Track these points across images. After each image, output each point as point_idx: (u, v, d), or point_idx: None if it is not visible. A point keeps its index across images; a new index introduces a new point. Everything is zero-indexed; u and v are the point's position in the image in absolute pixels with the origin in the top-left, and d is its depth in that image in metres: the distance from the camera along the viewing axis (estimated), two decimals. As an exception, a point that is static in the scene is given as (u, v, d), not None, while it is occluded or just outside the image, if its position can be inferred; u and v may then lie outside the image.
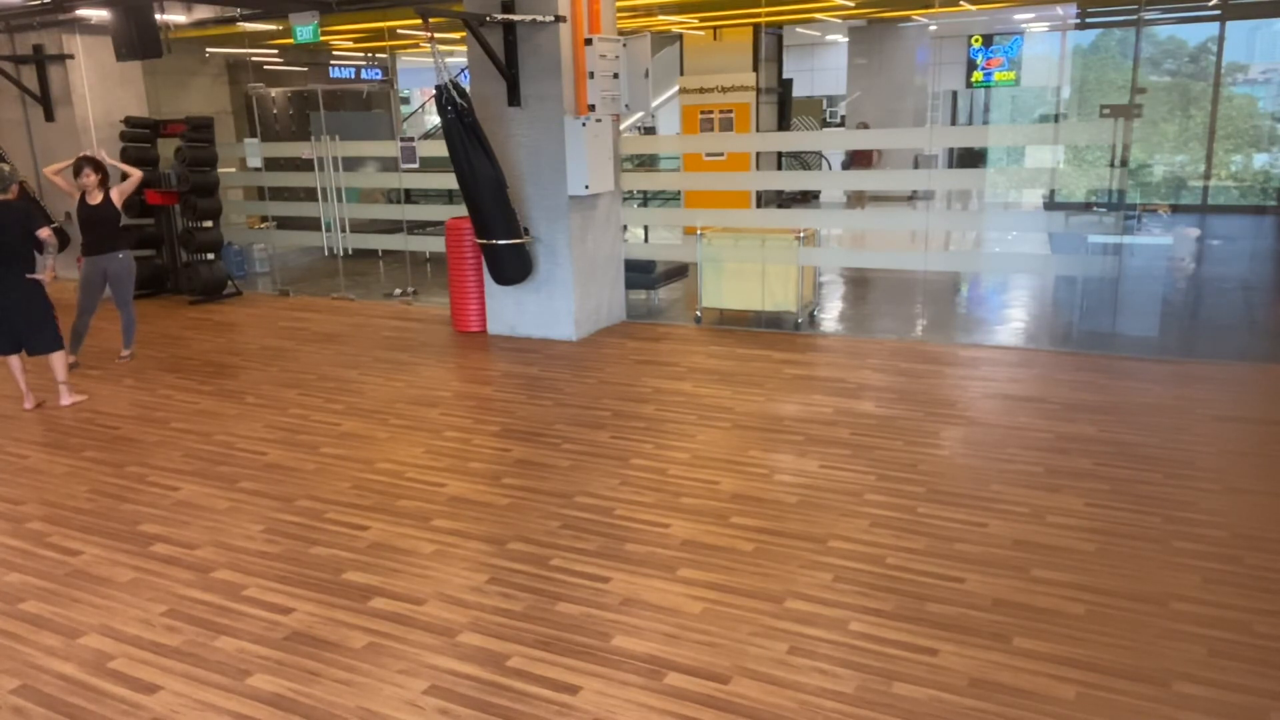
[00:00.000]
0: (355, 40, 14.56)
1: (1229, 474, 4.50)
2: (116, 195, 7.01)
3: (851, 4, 12.74)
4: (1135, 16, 11.06)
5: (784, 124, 14.38)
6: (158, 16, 8.27)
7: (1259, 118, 13.21)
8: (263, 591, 3.65)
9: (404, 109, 19.28)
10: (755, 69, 12.05)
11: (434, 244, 9.99)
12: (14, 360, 6.07)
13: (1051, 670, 2.98)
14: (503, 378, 6.63)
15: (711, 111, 11.74)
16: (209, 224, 9.79)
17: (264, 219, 11.68)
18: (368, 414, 5.82)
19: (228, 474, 4.91)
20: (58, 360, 6.14)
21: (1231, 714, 2.76)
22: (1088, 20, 14.06)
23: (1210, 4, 11.93)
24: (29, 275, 5.85)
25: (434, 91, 6.79)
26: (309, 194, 10.05)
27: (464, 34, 7.16)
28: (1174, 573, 3.57)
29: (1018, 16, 16.50)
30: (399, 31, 13.16)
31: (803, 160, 16.19)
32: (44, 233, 5.80)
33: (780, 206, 13.03)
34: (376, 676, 3.06)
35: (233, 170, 10.90)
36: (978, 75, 19.39)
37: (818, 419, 5.46)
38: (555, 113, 7.16)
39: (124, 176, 7.29)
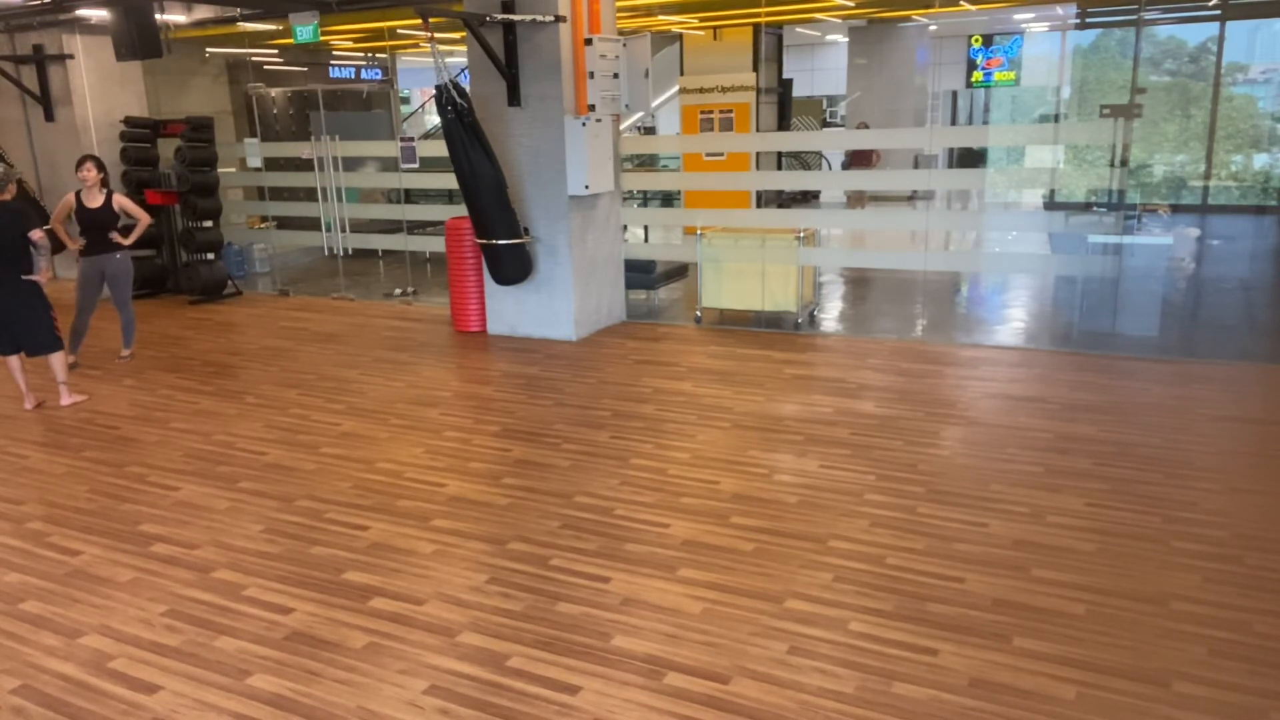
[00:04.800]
0: (355, 40, 14.56)
1: (1229, 474, 4.50)
2: (116, 203, 6.98)
3: (851, 4, 12.74)
4: (1135, 16, 11.06)
5: (784, 124, 14.38)
6: (158, 16, 8.27)
7: (1259, 118, 13.21)
8: (263, 591, 3.65)
9: (404, 109, 19.27)
10: (755, 69, 12.06)
11: (434, 244, 9.99)
12: (13, 361, 6.07)
13: (1051, 670, 2.98)
14: (503, 378, 6.63)
15: (711, 111, 11.74)
16: (209, 224, 9.79)
17: (264, 219, 11.68)
18: (368, 414, 5.82)
19: (228, 474, 4.91)
20: (57, 360, 6.14)
21: (1231, 714, 2.76)
22: (1088, 20, 14.06)
23: (1210, 4, 11.93)
24: (25, 276, 5.85)
25: (434, 91, 6.79)
26: (309, 194, 10.05)
27: (464, 34, 7.16)
28: (1174, 573, 3.57)
29: (1018, 16, 16.50)
30: (399, 31, 13.17)
31: (803, 160, 16.19)
32: (36, 234, 5.79)
33: (780, 206, 13.03)
34: (376, 676, 3.06)
35: (233, 170, 10.90)
36: (978, 75, 19.40)
37: (818, 419, 5.46)
38: (555, 113, 7.16)
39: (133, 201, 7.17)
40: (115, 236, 6.97)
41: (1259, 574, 3.54)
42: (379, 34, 13.36)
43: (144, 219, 7.13)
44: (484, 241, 7.19)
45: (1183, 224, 9.84)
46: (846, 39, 17.74)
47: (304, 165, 9.94)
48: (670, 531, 4.05)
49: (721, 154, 10.98)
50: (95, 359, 7.33)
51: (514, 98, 7.25)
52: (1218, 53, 12.18)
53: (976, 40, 19.12)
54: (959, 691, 2.89)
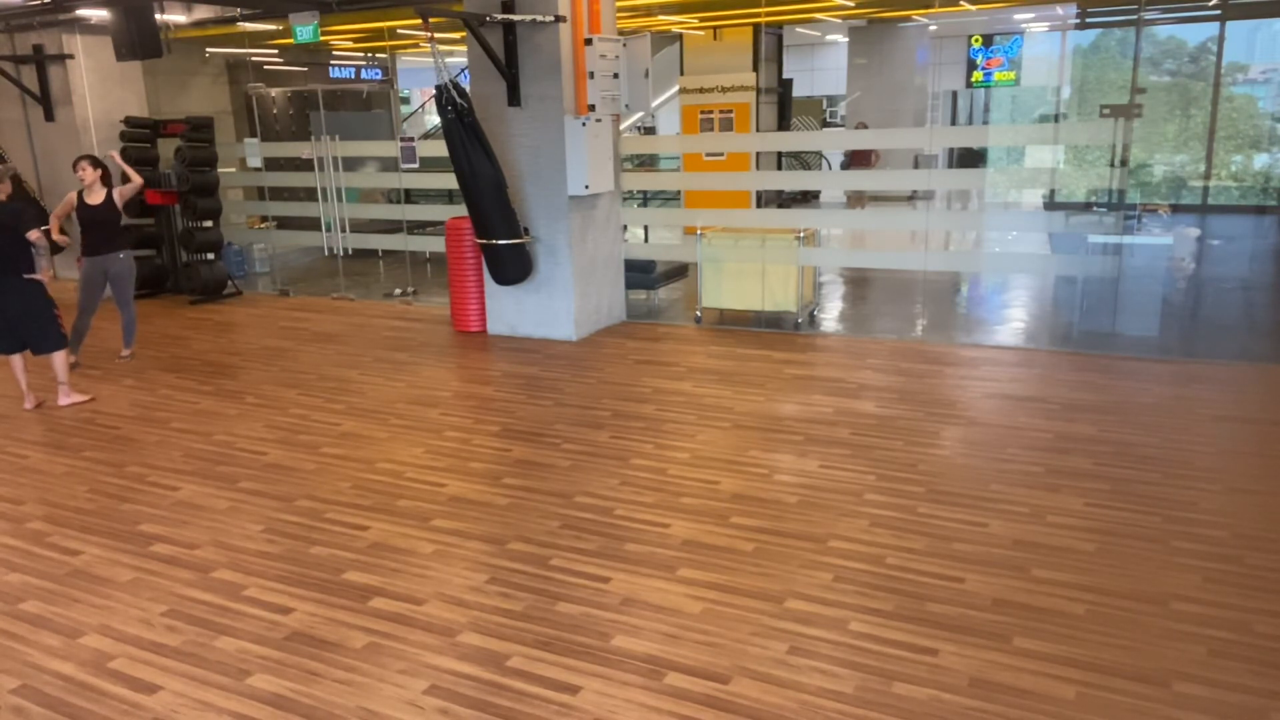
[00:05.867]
0: (355, 40, 14.56)
1: (1229, 474, 4.50)
2: (118, 197, 7.01)
3: (851, 4, 12.74)
4: (1135, 16, 11.06)
5: (784, 124, 14.38)
6: (158, 16, 8.27)
7: (1259, 118, 13.21)
8: (263, 591, 3.65)
9: (404, 109, 19.27)
10: (755, 69, 12.06)
11: (434, 244, 10.00)
12: (16, 360, 6.07)
13: (1051, 670, 2.98)
14: (503, 378, 6.63)
15: (711, 111, 11.74)
16: (209, 224, 9.79)
17: (264, 219, 11.68)
18: (368, 414, 5.82)
19: (228, 474, 4.91)
20: (59, 360, 6.14)
21: (1231, 714, 2.76)
22: (1088, 20, 14.07)
23: (1210, 4, 11.93)
24: (27, 276, 5.86)
25: (434, 91, 6.79)
26: (309, 194, 10.05)
27: (464, 34, 7.16)
28: (1174, 573, 3.57)
29: (1018, 16, 16.50)
30: (399, 31, 13.17)
31: (803, 160, 16.19)
32: (33, 235, 5.78)
33: (780, 206, 13.03)
34: (376, 676, 3.07)
35: (233, 170, 10.89)
36: (978, 75, 19.39)
37: (818, 419, 5.46)
38: (555, 113, 7.16)
39: (124, 178, 7.30)
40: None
41: (1259, 574, 3.54)
42: (379, 34, 13.36)
43: (136, 179, 7.22)
44: (484, 241, 7.19)
45: (1183, 224, 9.84)
46: (846, 39, 17.74)
47: (304, 165, 9.94)
48: (670, 531, 4.05)
49: (721, 154, 10.98)
50: (95, 359, 7.32)
51: (514, 98, 7.25)
52: (1218, 53, 12.18)
53: (976, 40, 19.12)
54: (959, 691, 2.89)
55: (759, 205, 11.21)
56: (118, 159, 7.36)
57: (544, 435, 5.34)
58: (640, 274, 8.47)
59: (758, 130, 11.73)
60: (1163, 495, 4.26)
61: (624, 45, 7.26)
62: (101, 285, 7.12)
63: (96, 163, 7.00)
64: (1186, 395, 5.69)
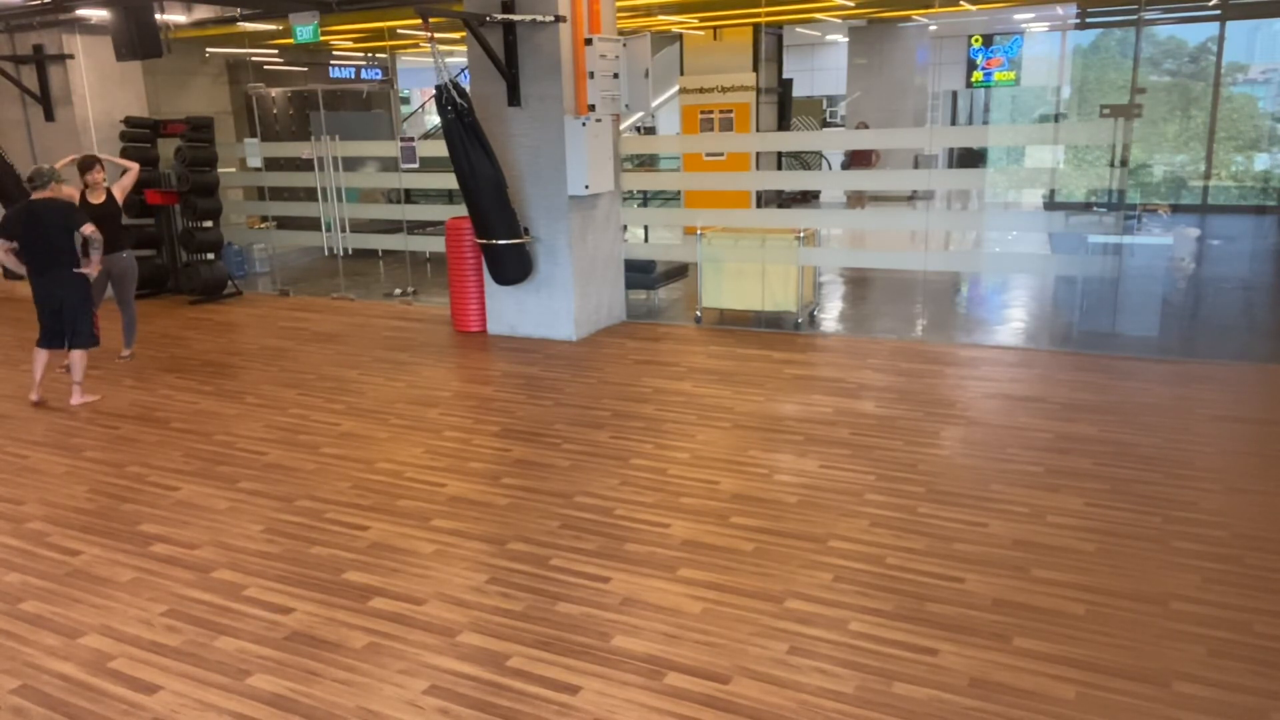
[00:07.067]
0: (355, 40, 14.55)
1: (1229, 474, 4.50)
2: (118, 192, 7.06)
3: (851, 4, 12.74)
4: (1135, 16, 11.06)
5: (784, 124, 14.38)
6: (158, 16, 8.27)
7: (1259, 118, 13.21)
8: (263, 591, 3.65)
9: (404, 109, 19.27)
10: (755, 69, 12.05)
11: (434, 244, 10.00)
12: (43, 355, 6.12)
13: (1051, 670, 2.98)
14: (503, 378, 6.63)
15: (711, 111, 11.73)
16: (209, 224, 9.80)
17: (264, 219, 11.68)
18: (368, 414, 5.82)
19: (228, 474, 4.91)
20: (81, 359, 6.18)
21: (1231, 714, 2.76)
22: (1088, 20, 14.07)
23: (1210, 4, 11.93)
24: (76, 270, 5.93)
25: (434, 91, 6.79)
26: (309, 194, 10.05)
27: (464, 34, 7.16)
28: (1174, 573, 3.57)
29: (1018, 16, 16.50)
30: (399, 31, 13.16)
31: (803, 160, 16.18)
32: (87, 229, 5.87)
33: (780, 206, 13.03)
34: (376, 676, 3.07)
35: (233, 170, 10.89)
36: (978, 75, 19.39)
37: (818, 419, 5.46)
38: (555, 113, 7.16)
39: (122, 171, 7.35)
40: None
41: (1259, 574, 3.54)
42: (379, 34, 13.36)
43: (132, 166, 7.37)
44: (484, 241, 7.19)
45: (1183, 224, 9.83)
46: (846, 39, 17.73)
47: (304, 165, 9.94)
48: (670, 531, 4.05)
49: (721, 154, 10.98)
50: (95, 359, 7.29)
51: (514, 98, 7.25)
52: (1218, 53, 12.18)
53: (976, 40, 19.12)
54: (959, 691, 2.89)
55: (759, 205, 11.20)
56: (108, 158, 7.46)
57: (544, 435, 5.34)
58: (640, 274, 8.47)
59: (758, 130, 11.73)
60: (1163, 495, 4.26)
61: (624, 45, 7.26)
62: (103, 286, 7.13)
63: (101, 164, 7.07)
64: (1186, 395, 5.69)
